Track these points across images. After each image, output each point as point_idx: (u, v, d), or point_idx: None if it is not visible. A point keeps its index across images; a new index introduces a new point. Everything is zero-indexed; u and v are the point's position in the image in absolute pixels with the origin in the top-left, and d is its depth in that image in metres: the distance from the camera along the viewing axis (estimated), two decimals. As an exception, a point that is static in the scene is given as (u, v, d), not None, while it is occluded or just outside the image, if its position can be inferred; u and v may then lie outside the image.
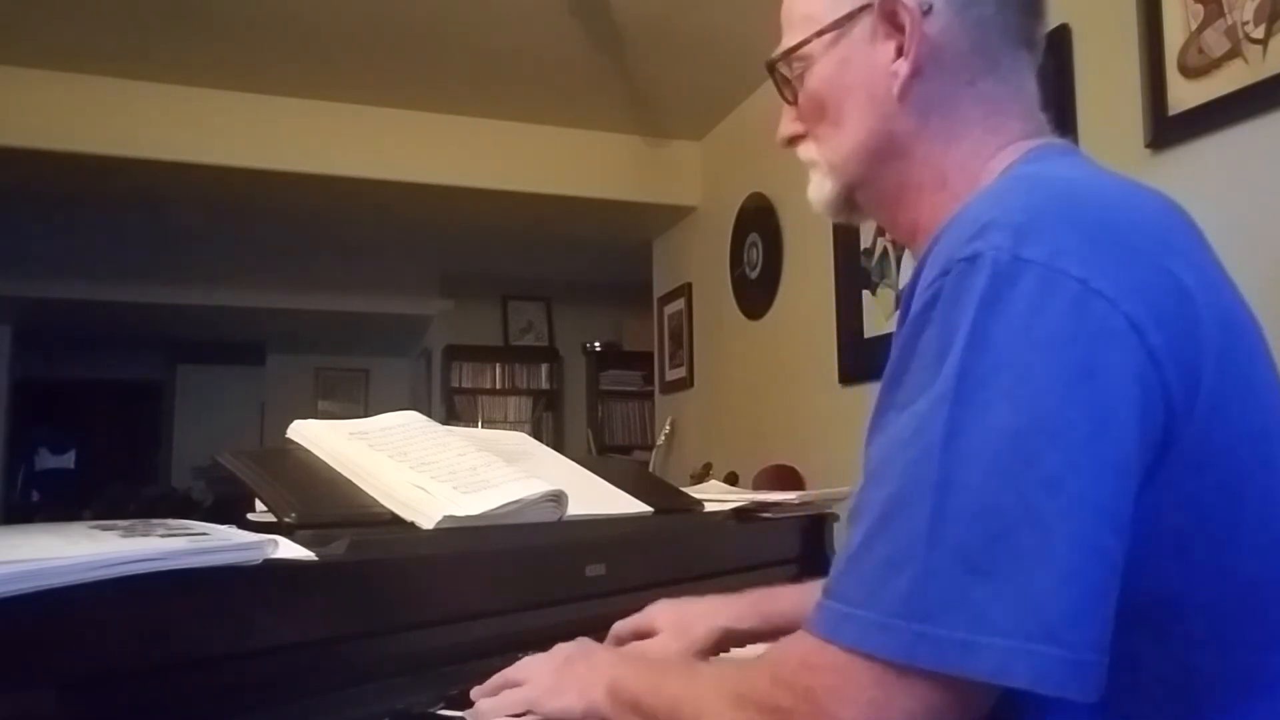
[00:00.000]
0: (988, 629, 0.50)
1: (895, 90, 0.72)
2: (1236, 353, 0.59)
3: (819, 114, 0.78)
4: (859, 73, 0.75)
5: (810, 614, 0.58)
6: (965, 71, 0.72)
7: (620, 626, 0.98)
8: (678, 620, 0.98)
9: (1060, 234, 0.56)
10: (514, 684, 0.79)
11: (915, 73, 0.72)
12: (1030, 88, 0.75)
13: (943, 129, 0.73)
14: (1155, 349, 0.54)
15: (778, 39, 0.81)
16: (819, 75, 0.77)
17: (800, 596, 1.00)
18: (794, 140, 0.82)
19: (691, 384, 3.95)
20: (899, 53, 0.72)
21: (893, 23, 0.72)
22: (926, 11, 0.71)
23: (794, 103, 0.80)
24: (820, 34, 0.76)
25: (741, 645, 1.02)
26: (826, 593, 0.57)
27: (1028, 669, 0.50)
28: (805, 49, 0.77)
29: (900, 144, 0.74)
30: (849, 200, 0.80)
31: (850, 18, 0.74)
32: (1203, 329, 0.57)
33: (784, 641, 0.62)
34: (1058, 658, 0.50)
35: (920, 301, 0.58)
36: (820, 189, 0.81)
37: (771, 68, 0.81)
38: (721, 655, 0.98)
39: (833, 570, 0.58)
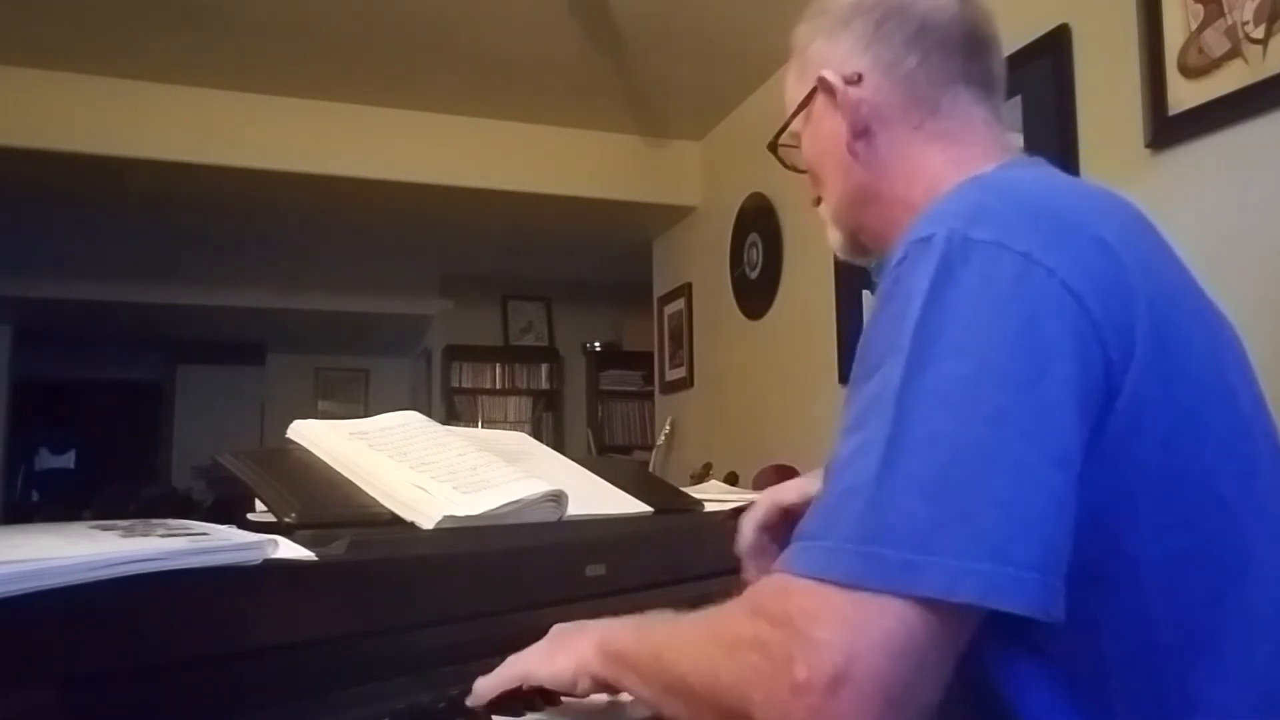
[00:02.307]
0: (934, 549, 0.54)
1: (852, 151, 0.85)
2: (1174, 322, 0.64)
3: (815, 179, 0.92)
4: (824, 141, 0.88)
5: (782, 556, 0.61)
6: (909, 119, 0.83)
7: (743, 537, 1.05)
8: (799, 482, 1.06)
9: (1005, 219, 0.63)
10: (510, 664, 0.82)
11: (858, 134, 0.84)
12: (979, 116, 0.84)
13: (904, 169, 0.84)
14: (1091, 311, 0.60)
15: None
16: (805, 148, 0.92)
17: None
18: (817, 202, 0.95)
19: (691, 384, 3.95)
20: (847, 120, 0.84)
21: (833, 97, 0.85)
22: (857, 81, 0.84)
23: (804, 172, 0.94)
24: (795, 115, 0.91)
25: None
26: (795, 535, 0.61)
27: (972, 584, 0.53)
28: (790, 129, 0.93)
29: (869, 191, 0.86)
30: (856, 243, 0.93)
31: (808, 100, 0.88)
32: (1136, 298, 0.62)
33: (762, 579, 0.64)
34: (1001, 574, 0.53)
35: (885, 283, 0.65)
36: (834, 240, 0.95)
37: (774, 150, 0.97)
38: None
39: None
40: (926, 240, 0.62)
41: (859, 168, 0.85)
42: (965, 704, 0.61)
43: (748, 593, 0.64)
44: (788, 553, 0.60)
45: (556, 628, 0.84)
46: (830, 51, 0.86)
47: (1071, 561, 0.56)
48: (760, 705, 0.55)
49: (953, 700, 0.57)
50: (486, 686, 0.80)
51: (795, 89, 0.91)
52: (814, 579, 0.56)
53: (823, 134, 0.88)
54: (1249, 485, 0.64)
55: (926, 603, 0.53)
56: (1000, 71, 0.87)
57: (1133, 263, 0.63)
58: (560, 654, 0.78)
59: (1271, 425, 0.70)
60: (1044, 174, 0.77)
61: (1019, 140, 2.04)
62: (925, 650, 0.54)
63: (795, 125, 0.92)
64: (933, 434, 0.56)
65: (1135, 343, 0.61)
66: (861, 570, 0.54)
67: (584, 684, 0.75)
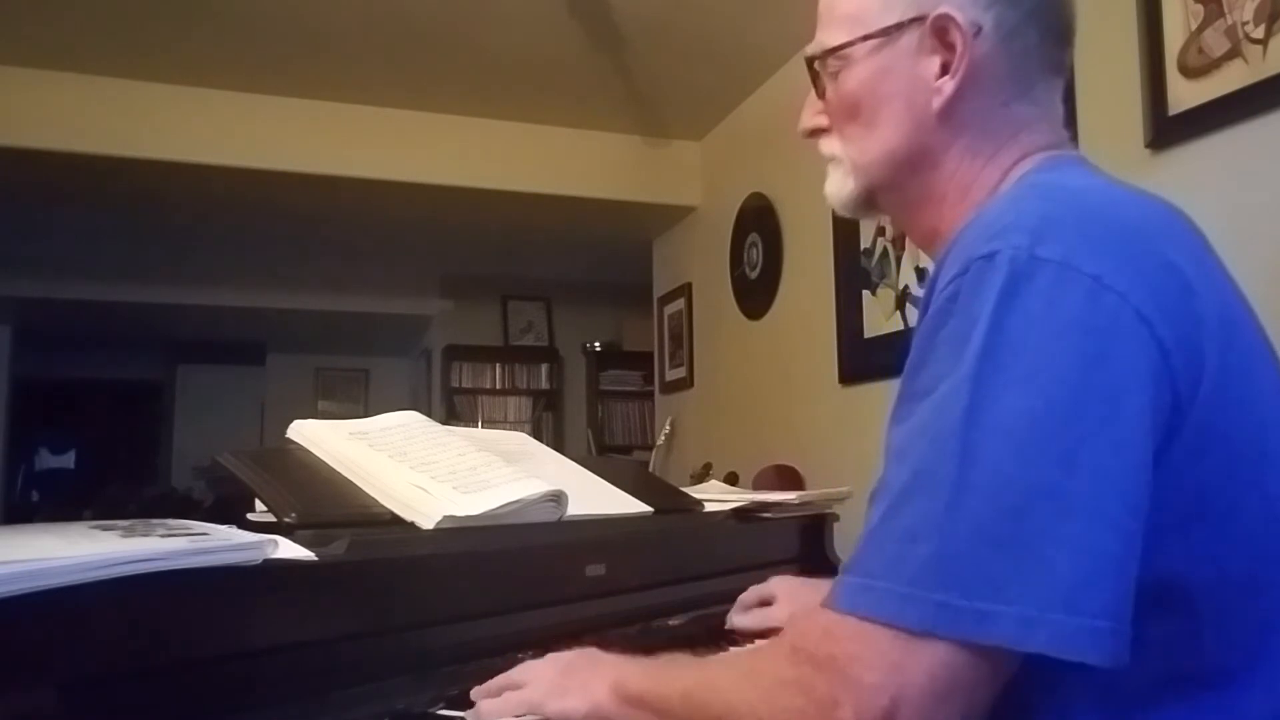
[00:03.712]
0: (1006, 598, 0.52)
1: (936, 106, 0.74)
2: (1237, 346, 0.62)
3: (851, 114, 0.79)
4: (900, 82, 0.76)
5: (830, 591, 0.59)
6: (1001, 93, 0.75)
7: (746, 595, 1.05)
8: (795, 595, 1.05)
9: (1073, 236, 0.59)
10: (515, 686, 0.79)
11: (957, 92, 0.74)
12: (1058, 111, 0.78)
13: (972, 146, 0.75)
14: (1163, 339, 0.57)
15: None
16: (857, 77, 0.78)
17: None
18: (816, 133, 0.83)
19: (691, 384, 3.95)
20: (944, 70, 0.74)
21: (942, 39, 0.73)
22: (975, 34, 0.72)
23: (822, 97, 0.81)
24: (866, 38, 0.77)
25: None
26: (846, 569, 0.59)
27: (1045, 635, 0.52)
28: (848, 50, 0.78)
29: (931, 157, 0.76)
30: (869, 200, 0.82)
31: (899, 27, 0.75)
32: (1205, 323, 0.60)
33: (800, 619, 0.63)
34: (1074, 625, 0.52)
35: (941, 298, 0.61)
36: (841, 186, 0.82)
37: (811, 62, 0.82)
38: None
39: (854, 549, 0.60)
40: (989, 258, 0.59)
41: (938, 129, 0.75)
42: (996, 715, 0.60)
43: (787, 633, 0.63)
44: (841, 589, 0.58)
45: (564, 655, 0.81)
46: None
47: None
48: None
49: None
50: (489, 711, 0.78)
51: (872, 6, 0.77)
52: (870, 618, 0.55)
53: (903, 74, 0.75)
54: None
55: (974, 646, 0.53)
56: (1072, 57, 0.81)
57: (1200, 284, 0.61)
58: (572, 693, 0.75)
59: None
60: (1100, 181, 0.72)
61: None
62: (970, 692, 0.54)
63: (858, 49, 0.77)
64: (1001, 476, 0.54)
65: (1204, 371, 0.59)
66: (934, 619, 0.53)
67: None
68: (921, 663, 0.53)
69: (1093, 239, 0.59)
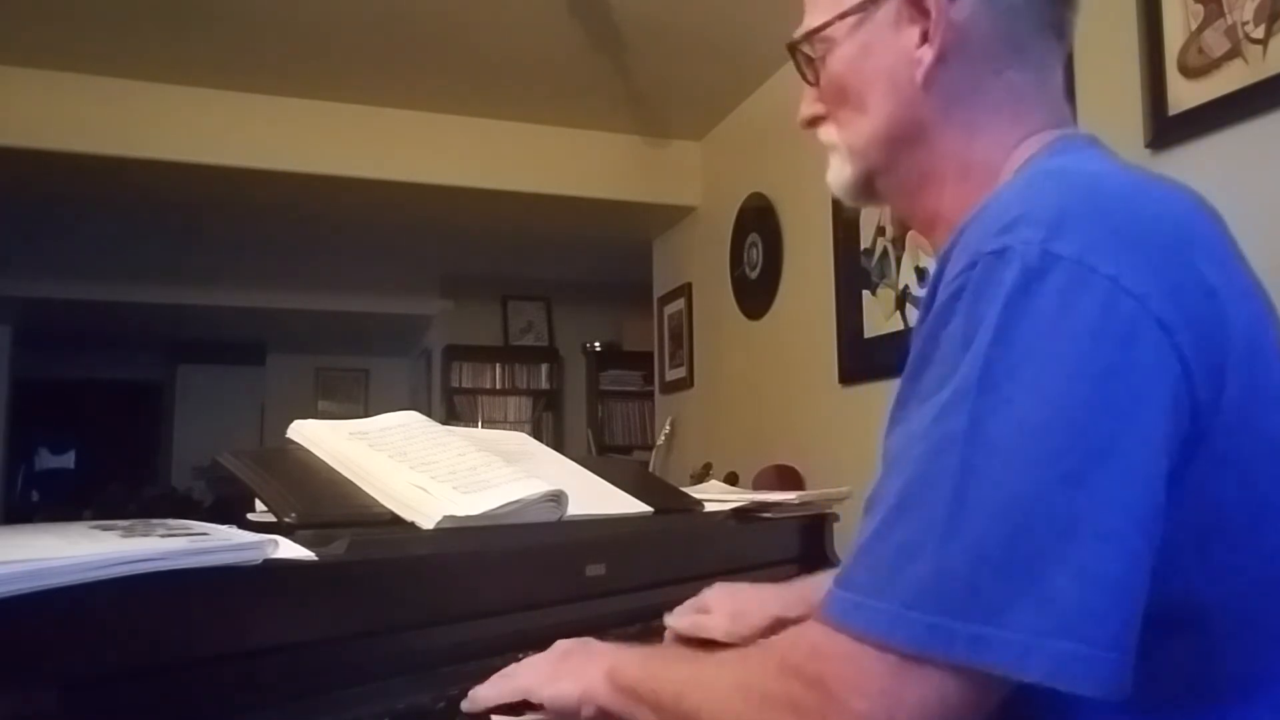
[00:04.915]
0: (1005, 623, 0.50)
1: (919, 77, 0.71)
2: (1261, 355, 0.58)
3: (841, 98, 0.77)
4: (882, 58, 0.73)
5: (823, 601, 0.57)
6: (992, 60, 0.71)
7: (680, 608, 1.02)
8: (733, 605, 1.02)
9: (1090, 230, 0.55)
10: (510, 676, 0.80)
11: (940, 60, 0.70)
12: (1057, 78, 0.74)
13: (966, 119, 0.72)
14: (1183, 349, 0.54)
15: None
16: (841, 58, 0.75)
17: None
18: (814, 121, 0.81)
19: (691, 384, 3.95)
20: (923, 39, 0.70)
21: (918, 8, 0.70)
22: None
23: (815, 84, 0.79)
24: (843, 16, 0.74)
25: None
26: (838, 582, 0.57)
27: (1043, 664, 0.49)
28: (828, 31, 0.76)
29: (922, 132, 0.73)
30: (868, 186, 0.78)
31: (875, 1, 0.73)
32: (1229, 331, 0.56)
33: (792, 630, 0.61)
34: (1074, 653, 0.49)
35: (945, 293, 0.58)
36: (840, 173, 0.79)
37: (793, 49, 0.79)
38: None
39: (845, 559, 0.58)
40: (999, 254, 0.55)
41: (925, 101, 0.71)
42: None
43: (778, 644, 0.61)
44: (832, 602, 0.56)
45: (561, 644, 0.81)
46: None
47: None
48: None
49: None
50: (484, 696, 0.78)
51: None
52: (862, 638, 0.53)
53: (883, 49, 0.73)
54: None
55: (968, 671, 0.51)
56: (1075, 22, 0.75)
57: (1225, 286, 0.57)
58: (565, 678, 0.75)
59: None
60: (1116, 167, 0.67)
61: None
62: (961, 718, 0.52)
63: (837, 30, 0.75)
64: (1004, 493, 0.51)
65: (1226, 381, 0.55)
66: (926, 640, 0.51)
67: (588, 712, 0.72)
68: (913, 689, 0.51)
69: (1110, 234, 0.55)
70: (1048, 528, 0.51)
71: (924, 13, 0.70)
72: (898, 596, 0.52)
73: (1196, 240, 0.59)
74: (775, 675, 0.57)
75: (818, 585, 1.06)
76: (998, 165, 0.72)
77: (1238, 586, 0.57)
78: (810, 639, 0.57)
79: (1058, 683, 0.49)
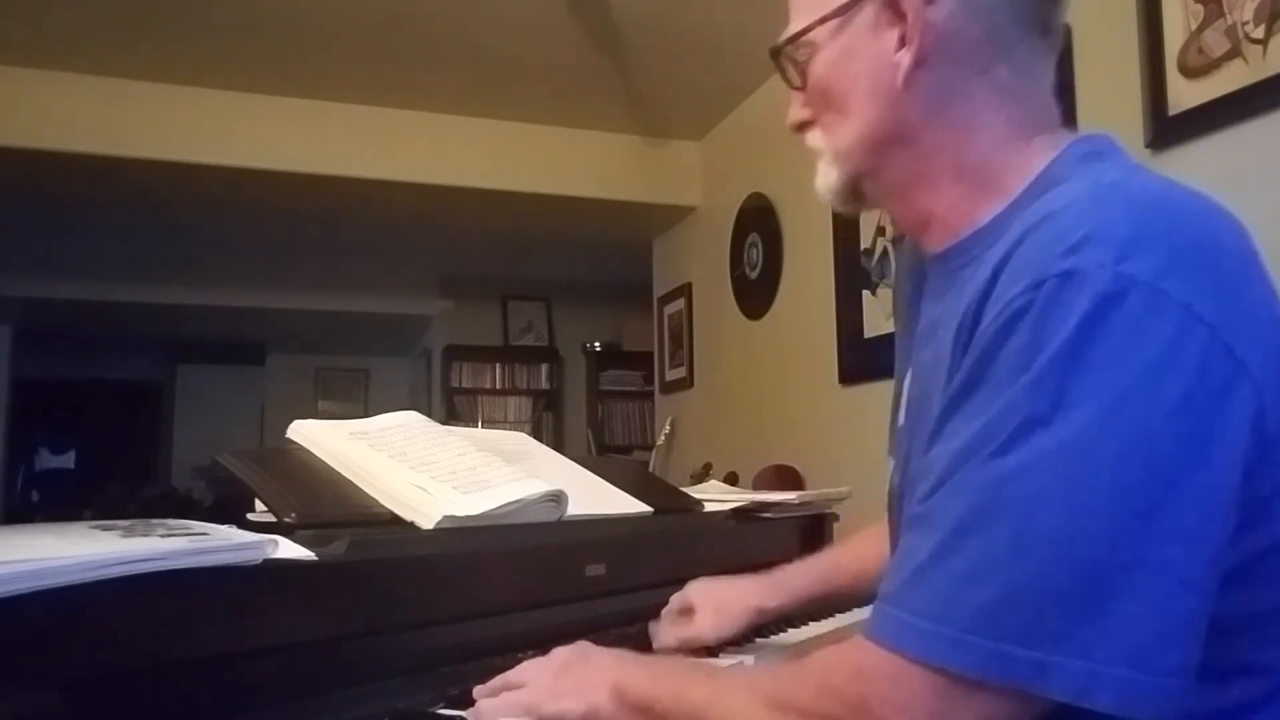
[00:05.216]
0: (1069, 650, 0.50)
1: (899, 81, 0.70)
2: None
3: (825, 102, 0.77)
4: (863, 62, 0.73)
5: (870, 621, 0.56)
6: (976, 60, 0.70)
7: (665, 612, 1.03)
8: (713, 600, 1.03)
9: (1161, 253, 0.54)
10: (513, 686, 0.78)
11: (920, 63, 0.70)
12: (1048, 77, 0.74)
13: (956, 119, 0.71)
14: (1254, 374, 0.53)
15: (778, 37, 0.80)
16: (824, 62, 0.75)
17: (813, 572, 1.09)
18: (803, 126, 0.80)
19: (691, 384, 3.95)
20: (902, 42, 0.70)
21: (895, 10, 0.70)
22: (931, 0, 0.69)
23: (801, 89, 0.79)
24: (824, 20, 0.74)
25: (770, 622, 1.10)
26: (889, 600, 0.56)
27: (1110, 693, 0.50)
28: (809, 35, 0.75)
29: (907, 134, 0.72)
30: (855, 190, 0.78)
31: (854, 5, 0.73)
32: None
33: (833, 649, 0.61)
34: (1141, 682, 0.50)
35: (1008, 311, 0.56)
36: (826, 178, 0.79)
37: (776, 54, 0.79)
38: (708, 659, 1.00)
39: (894, 576, 0.57)
40: (1068, 276, 0.53)
41: (907, 103, 0.71)
42: None
43: (815, 664, 0.60)
44: (883, 624, 0.56)
45: (559, 654, 0.79)
46: None
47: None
48: None
49: None
50: (488, 710, 0.76)
51: None
52: (915, 660, 0.53)
53: (863, 52, 0.72)
54: None
55: (1021, 697, 0.51)
56: (1063, 24, 0.75)
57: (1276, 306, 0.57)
58: (568, 694, 0.73)
59: None
60: (1164, 182, 0.64)
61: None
62: None
63: (818, 34, 0.75)
64: (1073, 523, 0.51)
65: (1272, 403, 0.55)
66: (985, 665, 0.51)
67: None
68: (960, 713, 0.51)
69: (1183, 258, 0.54)
70: (1117, 560, 0.50)
71: (901, 15, 0.70)
72: (958, 621, 0.52)
73: (1253, 265, 0.59)
74: (813, 695, 0.57)
75: (789, 572, 1.10)
76: (999, 167, 0.71)
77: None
78: (853, 659, 0.57)
79: (1122, 710, 0.50)
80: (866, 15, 0.72)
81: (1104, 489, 0.51)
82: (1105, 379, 0.52)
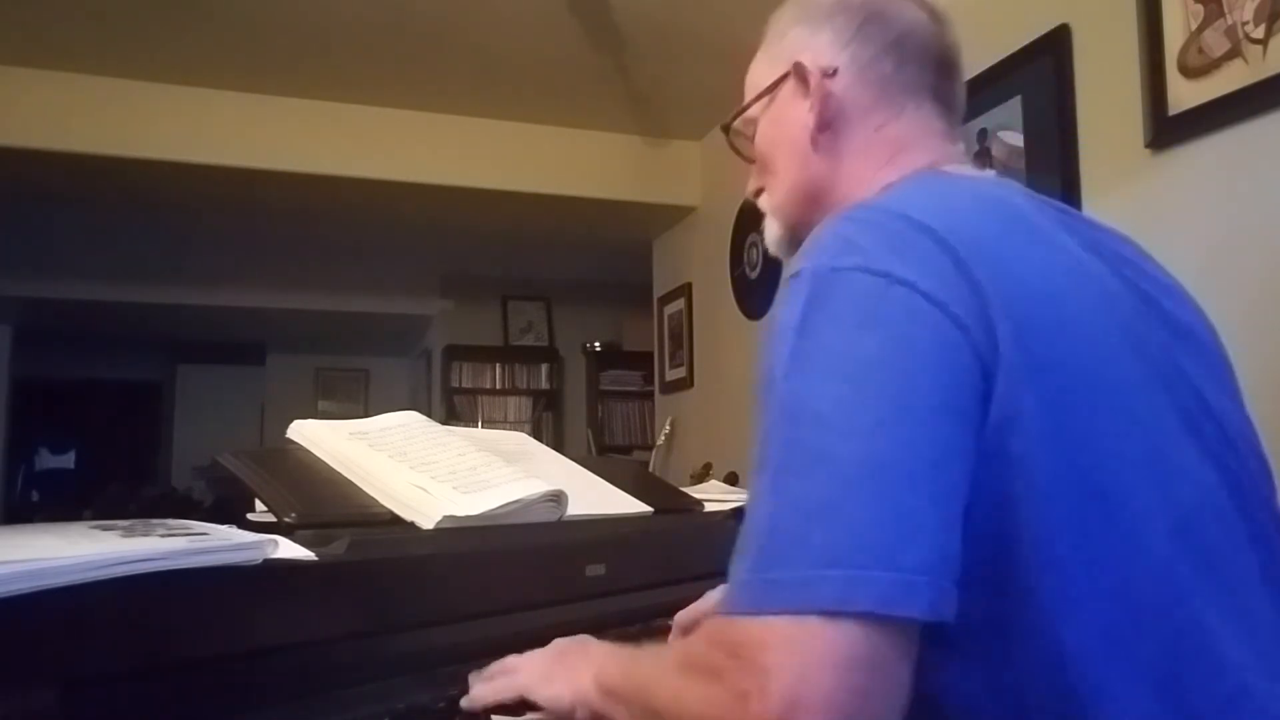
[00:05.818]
0: (825, 563, 0.55)
1: (808, 140, 0.85)
2: (1038, 325, 0.63)
3: (764, 167, 0.92)
4: (786, 128, 0.88)
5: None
6: (871, 119, 0.84)
7: (682, 615, 1.04)
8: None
9: (867, 246, 0.64)
10: (509, 671, 0.82)
11: (823, 125, 0.84)
12: (939, 130, 0.85)
13: (854, 171, 0.84)
14: (957, 315, 0.61)
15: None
16: (762, 134, 0.91)
17: None
18: (757, 194, 0.94)
19: (691, 384, 3.95)
20: (811, 109, 0.84)
21: (806, 84, 0.85)
22: (832, 74, 0.84)
23: (751, 160, 0.94)
24: (759, 97, 0.90)
25: None
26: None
27: (869, 594, 0.53)
28: (750, 111, 0.92)
29: (822, 186, 0.86)
30: (794, 240, 0.89)
31: (778, 82, 0.88)
32: (990, 304, 0.62)
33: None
34: (891, 580, 0.54)
35: (767, 320, 0.67)
36: (771, 233, 0.94)
37: (727, 130, 0.96)
38: None
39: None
40: (797, 275, 0.65)
41: (817, 160, 0.85)
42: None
43: (707, 621, 0.66)
44: (724, 597, 0.61)
45: (559, 643, 0.84)
46: (809, 41, 0.86)
47: (980, 571, 0.58)
48: None
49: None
50: (482, 694, 0.81)
51: (763, 73, 0.91)
52: (728, 615, 0.58)
53: (785, 121, 0.88)
54: (1147, 474, 0.63)
55: (865, 619, 0.54)
56: (963, 99, 0.89)
57: (988, 269, 0.63)
58: (560, 680, 0.78)
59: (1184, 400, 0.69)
60: (924, 185, 0.76)
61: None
62: (872, 667, 0.54)
63: (754, 110, 0.92)
64: (814, 455, 0.58)
65: (999, 343, 0.61)
66: (762, 596, 0.55)
67: (581, 715, 0.76)
68: (816, 641, 0.54)
69: (883, 244, 0.64)
70: (855, 476, 0.56)
71: (809, 88, 0.84)
72: (743, 568, 0.58)
73: (964, 233, 0.66)
74: (704, 650, 0.61)
75: None
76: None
77: (1059, 551, 0.60)
78: (716, 626, 0.61)
79: (886, 609, 0.53)
80: (787, 90, 0.88)
81: (836, 422, 0.58)
82: (827, 341, 0.62)
